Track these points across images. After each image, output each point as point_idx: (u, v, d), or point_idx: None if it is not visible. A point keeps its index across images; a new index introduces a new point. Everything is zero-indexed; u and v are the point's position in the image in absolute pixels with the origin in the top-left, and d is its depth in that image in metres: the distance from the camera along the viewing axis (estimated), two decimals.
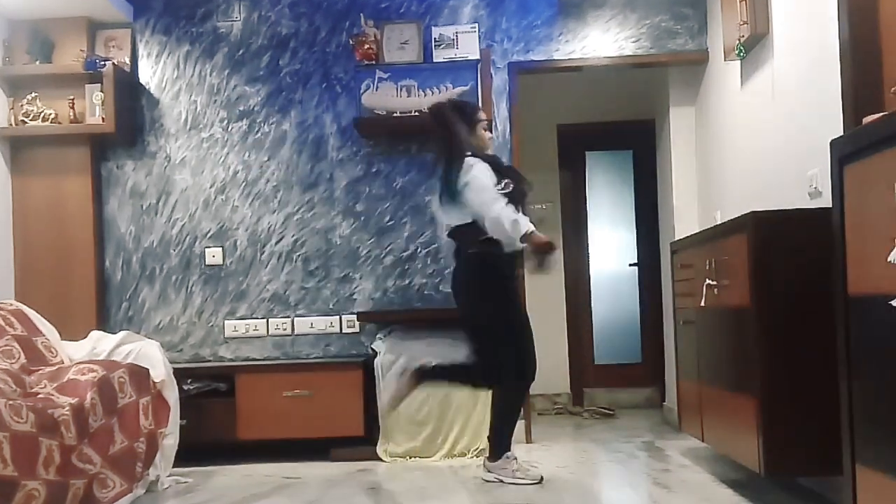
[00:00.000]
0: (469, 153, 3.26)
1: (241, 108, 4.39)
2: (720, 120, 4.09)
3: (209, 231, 4.37)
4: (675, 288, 3.75)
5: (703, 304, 3.10)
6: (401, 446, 3.84)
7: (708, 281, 3.01)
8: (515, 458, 3.28)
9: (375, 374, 3.89)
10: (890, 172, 1.65)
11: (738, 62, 3.68)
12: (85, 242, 4.25)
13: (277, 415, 3.86)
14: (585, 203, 5.77)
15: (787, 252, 2.52)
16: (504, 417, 3.34)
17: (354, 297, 4.32)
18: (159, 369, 3.41)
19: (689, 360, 3.47)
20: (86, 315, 4.17)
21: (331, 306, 4.32)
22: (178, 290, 4.36)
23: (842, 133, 2.41)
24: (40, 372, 3.12)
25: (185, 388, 3.76)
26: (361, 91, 4.13)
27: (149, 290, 4.36)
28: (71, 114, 4.22)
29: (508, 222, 3.09)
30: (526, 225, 3.12)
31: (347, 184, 4.34)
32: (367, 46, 4.18)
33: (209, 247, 4.36)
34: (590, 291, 5.70)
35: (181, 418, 3.47)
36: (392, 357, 3.89)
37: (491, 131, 3.52)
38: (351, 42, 4.26)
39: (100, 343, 3.50)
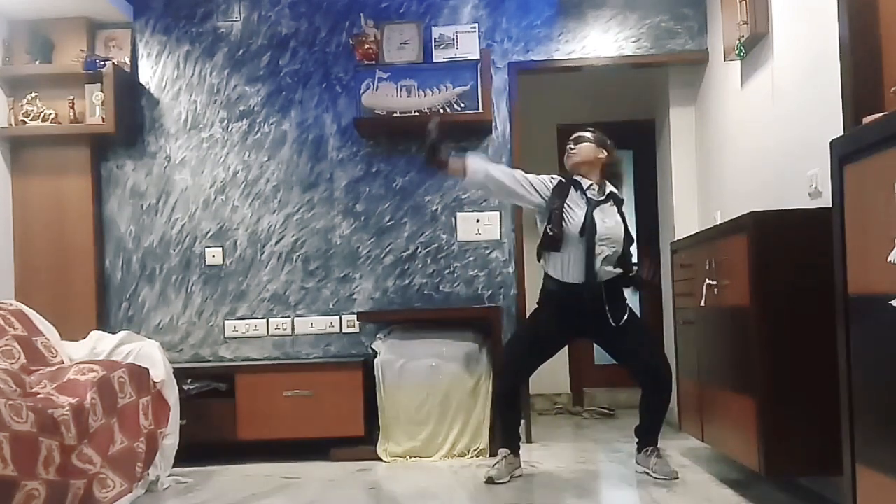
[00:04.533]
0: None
1: (241, 108, 4.39)
2: (720, 120, 4.09)
3: (209, 231, 4.37)
4: (675, 288, 3.75)
5: (703, 304, 3.10)
6: (401, 446, 3.84)
7: (708, 281, 3.01)
8: (504, 457, 3.34)
9: (375, 374, 3.89)
10: (890, 172, 1.65)
11: (738, 62, 3.68)
12: (85, 242, 4.25)
13: (277, 415, 3.86)
14: None
15: (787, 252, 2.52)
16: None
17: (354, 297, 4.32)
18: (159, 369, 3.41)
19: (689, 360, 3.46)
20: (86, 315, 4.17)
21: (331, 306, 4.32)
22: (178, 290, 4.36)
23: (842, 133, 2.41)
24: (40, 372, 3.12)
25: (185, 388, 3.76)
26: (361, 91, 4.13)
27: (149, 290, 4.36)
28: (71, 114, 4.22)
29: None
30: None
31: (347, 184, 4.34)
32: (367, 46, 4.18)
33: (209, 247, 4.36)
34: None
35: (181, 418, 3.47)
36: (392, 357, 3.89)
37: (569, 149, 3.43)
38: (351, 42, 4.26)
39: (100, 343, 3.50)
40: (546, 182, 3.38)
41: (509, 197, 3.47)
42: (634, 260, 3.50)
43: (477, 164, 3.34)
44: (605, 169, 3.41)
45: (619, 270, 3.33)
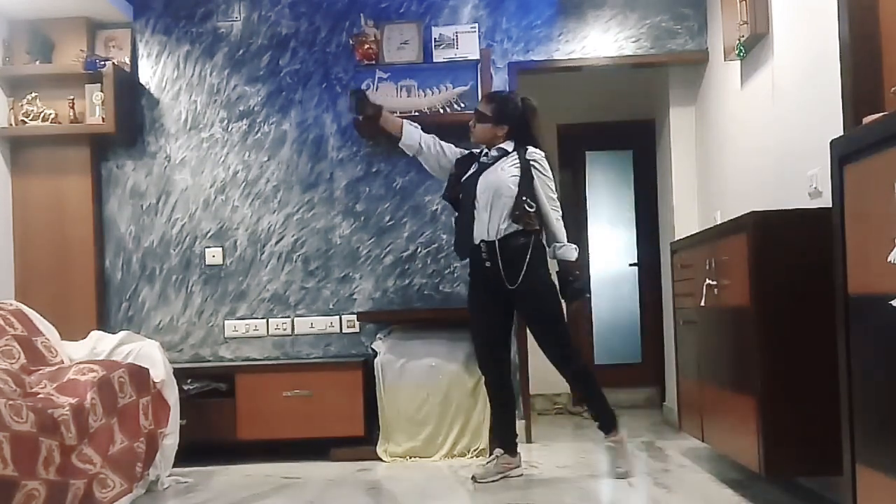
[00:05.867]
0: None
1: (241, 108, 4.38)
2: (720, 120, 4.09)
3: (209, 231, 4.37)
4: (675, 288, 3.75)
5: (703, 304, 3.10)
6: (401, 446, 3.84)
7: (708, 281, 3.01)
8: (497, 457, 3.35)
9: (375, 374, 3.89)
10: (890, 172, 1.65)
11: (738, 62, 3.68)
12: (85, 242, 4.25)
13: (277, 415, 3.86)
14: (585, 203, 5.77)
15: (787, 252, 2.52)
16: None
17: (354, 297, 4.32)
18: (159, 369, 3.41)
19: (689, 360, 3.47)
20: (86, 315, 4.17)
21: (331, 306, 4.32)
22: (178, 290, 4.36)
23: (842, 133, 2.41)
24: (40, 372, 3.12)
25: (185, 388, 3.76)
26: None
27: (149, 290, 4.36)
28: (71, 114, 4.22)
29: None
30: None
31: (347, 184, 4.34)
32: (367, 46, 4.18)
33: (209, 247, 4.36)
34: (590, 291, 5.69)
35: (181, 418, 3.47)
36: (392, 357, 3.89)
37: (474, 124, 3.40)
38: (351, 42, 4.26)
39: (100, 343, 3.50)
40: (457, 154, 3.48)
41: (437, 161, 3.48)
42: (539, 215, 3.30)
43: (412, 126, 3.48)
44: (509, 136, 3.35)
45: (515, 227, 3.22)
